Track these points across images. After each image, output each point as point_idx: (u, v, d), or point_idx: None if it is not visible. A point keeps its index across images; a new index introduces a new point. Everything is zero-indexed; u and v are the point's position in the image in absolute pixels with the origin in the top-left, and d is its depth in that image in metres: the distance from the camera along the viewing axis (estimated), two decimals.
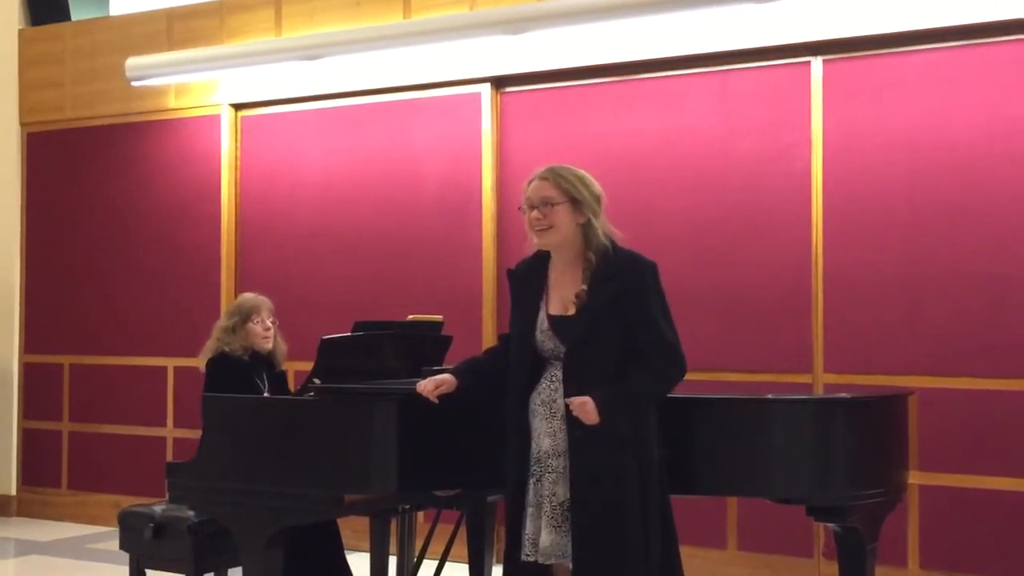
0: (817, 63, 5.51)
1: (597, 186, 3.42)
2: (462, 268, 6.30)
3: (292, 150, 6.89)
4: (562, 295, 3.38)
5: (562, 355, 3.33)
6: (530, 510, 3.33)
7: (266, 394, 4.55)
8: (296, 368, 4.90)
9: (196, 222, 7.11)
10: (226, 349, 4.56)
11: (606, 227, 3.39)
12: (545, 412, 3.35)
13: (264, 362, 4.65)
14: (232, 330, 4.59)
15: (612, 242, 3.38)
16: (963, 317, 5.18)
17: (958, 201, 5.21)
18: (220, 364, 4.55)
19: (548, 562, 3.31)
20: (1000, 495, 5.09)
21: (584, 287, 3.33)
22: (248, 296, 4.71)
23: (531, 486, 3.34)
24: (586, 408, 3.21)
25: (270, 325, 4.64)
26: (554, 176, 3.38)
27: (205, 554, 4.32)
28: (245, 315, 4.60)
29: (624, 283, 3.31)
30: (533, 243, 3.44)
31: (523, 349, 3.40)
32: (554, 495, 3.30)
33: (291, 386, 4.94)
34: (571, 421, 3.27)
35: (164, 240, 7.23)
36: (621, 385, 3.27)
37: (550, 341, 3.35)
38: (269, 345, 4.64)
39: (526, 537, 3.33)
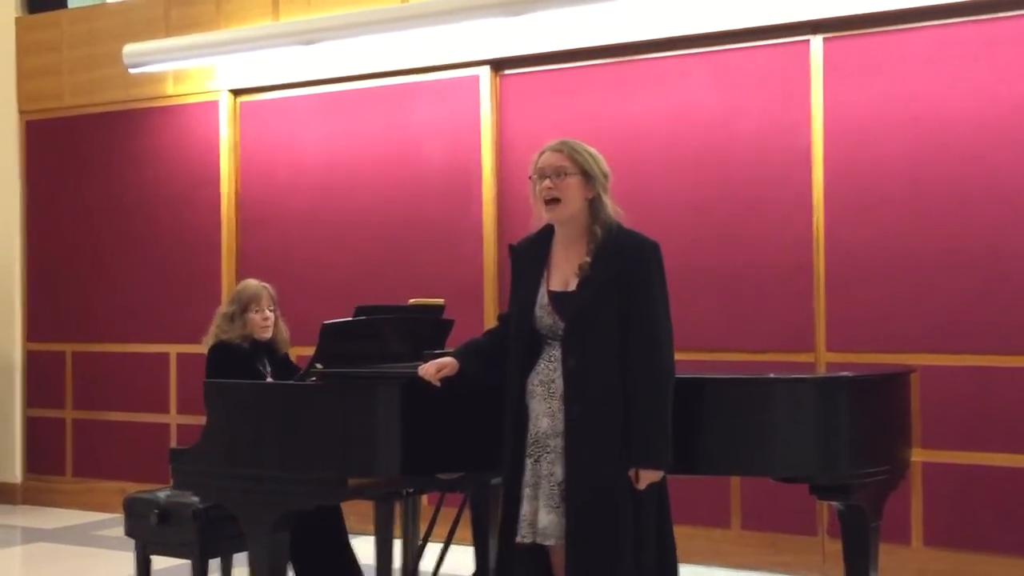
0: (817, 41, 5.49)
1: (606, 164, 3.42)
2: (463, 251, 6.29)
3: (291, 135, 6.88)
4: (564, 271, 3.37)
5: (560, 332, 3.31)
6: (527, 491, 3.32)
7: (269, 379, 4.56)
8: (298, 353, 4.89)
9: (196, 208, 7.11)
10: (224, 338, 4.56)
11: (613, 206, 3.39)
12: (543, 392, 3.33)
13: (264, 348, 4.65)
14: (231, 318, 4.57)
15: (617, 222, 3.37)
16: (964, 294, 5.18)
17: (959, 179, 5.20)
18: (220, 353, 4.54)
19: (548, 543, 3.29)
20: (1003, 471, 5.10)
21: (588, 259, 3.31)
22: (249, 283, 4.68)
23: (528, 466, 3.33)
24: (648, 480, 3.23)
25: (269, 314, 4.61)
26: (567, 148, 3.39)
27: (210, 539, 4.33)
28: (244, 304, 4.57)
29: (627, 261, 3.29)
30: (540, 215, 3.42)
31: (521, 326, 3.38)
32: (552, 475, 3.29)
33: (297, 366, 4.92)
34: (569, 400, 3.26)
35: (164, 226, 7.22)
36: (647, 425, 3.23)
37: (548, 317, 3.33)
38: (268, 334, 4.62)
39: (523, 518, 3.31)
